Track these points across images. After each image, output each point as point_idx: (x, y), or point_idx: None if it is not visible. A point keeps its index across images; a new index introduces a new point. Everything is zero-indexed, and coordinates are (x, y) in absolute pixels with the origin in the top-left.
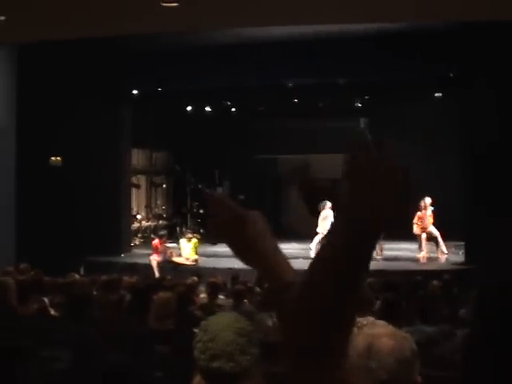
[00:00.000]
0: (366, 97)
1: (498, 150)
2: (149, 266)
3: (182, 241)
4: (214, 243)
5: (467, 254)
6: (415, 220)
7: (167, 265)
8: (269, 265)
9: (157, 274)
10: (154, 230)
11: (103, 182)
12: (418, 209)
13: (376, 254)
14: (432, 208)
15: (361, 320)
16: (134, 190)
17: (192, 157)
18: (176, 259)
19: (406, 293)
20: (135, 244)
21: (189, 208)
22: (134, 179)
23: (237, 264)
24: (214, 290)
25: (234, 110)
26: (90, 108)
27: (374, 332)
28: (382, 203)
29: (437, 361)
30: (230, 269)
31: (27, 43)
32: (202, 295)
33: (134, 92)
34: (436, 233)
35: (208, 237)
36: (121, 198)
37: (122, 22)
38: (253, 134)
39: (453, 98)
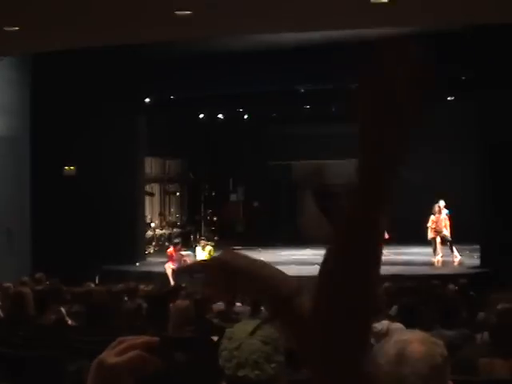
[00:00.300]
0: None
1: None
2: (164, 274)
3: (198, 248)
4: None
5: (483, 257)
6: (429, 224)
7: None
8: (262, 282)
9: (172, 282)
10: (169, 238)
11: (117, 190)
12: (432, 212)
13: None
14: (447, 211)
15: (376, 325)
16: (147, 198)
17: (205, 164)
18: None
19: (424, 297)
20: (149, 252)
21: (203, 215)
22: (147, 187)
23: None
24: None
25: (246, 116)
26: (104, 116)
27: (405, 338)
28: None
29: (459, 365)
30: None
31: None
32: (219, 303)
33: (147, 100)
34: (449, 237)
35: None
36: (135, 206)
37: (136, 31)
38: (266, 140)
39: (466, 101)
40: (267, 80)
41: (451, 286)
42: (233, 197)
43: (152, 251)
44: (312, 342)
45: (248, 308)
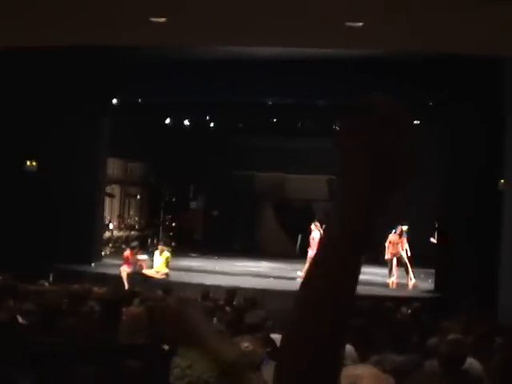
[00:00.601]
0: None
1: (473, 180)
2: (119, 277)
3: (156, 253)
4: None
5: (437, 282)
6: (387, 243)
7: (137, 277)
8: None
9: (126, 286)
10: (126, 241)
11: (77, 189)
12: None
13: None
14: (405, 235)
15: None
16: (107, 200)
17: (168, 169)
18: (146, 271)
19: (376, 319)
20: (106, 254)
21: (161, 220)
22: (108, 188)
23: (207, 280)
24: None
25: (212, 125)
26: (69, 115)
27: (356, 373)
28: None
29: None
30: (201, 284)
31: (4, 49)
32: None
33: (114, 101)
34: (406, 259)
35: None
36: (94, 206)
37: (110, 34)
38: (230, 150)
39: (431, 125)
40: (236, 90)
41: (404, 310)
42: (193, 204)
43: (108, 253)
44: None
45: None
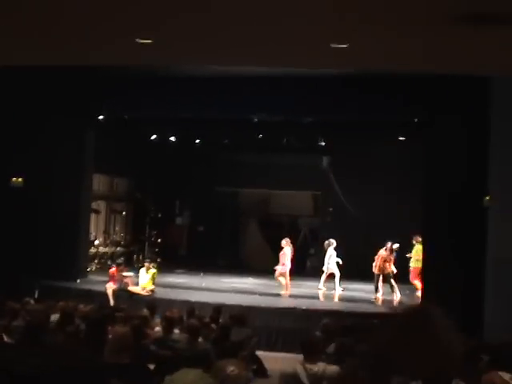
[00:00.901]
0: (330, 136)
1: (458, 197)
2: (104, 294)
3: (141, 270)
4: None
5: (422, 298)
6: (376, 260)
7: (123, 293)
8: None
9: (112, 303)
10: (111, 257)
11: (63, 204)
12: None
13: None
14: (395, 254)
15: (312, 366)
16: (93, 215)
17: (154, 185)
18: (132, 288)
19: (362, 336)
20: (91, 270)
21: (147, 236)
22: (94, 204)
23: (193, 297)
24: (169, 325)
25: (198, 141)
26: (54, 130)
27: None
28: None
29: None
30: (186, 301)
31: None
32: (157, 328)
33: (100, 117)
34: (392, 277)
35: None
36: (80, 222)
37: (97, 54)
38: (216, 166)
39: (417, 142)
40: (221, 107)
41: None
42: (178, 220)
43: (94, 269)
44: None
45: (185, 335)
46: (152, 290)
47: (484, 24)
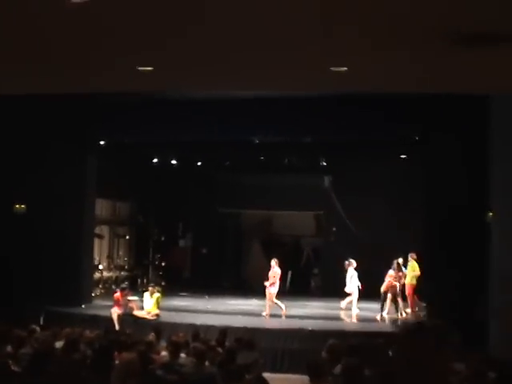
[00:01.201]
0: (331, 155)
1: (459, 213)
2: (109, 319)
3: (146, 294)
4: None
5: (428, 315)
6: (388, 279)
7: (128, 318)
8: None
9: (117, 327)
10: (116, 281)
11: (66, 230)
12: (392, 268)
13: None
14: (404, 269)
15: None
16: (96, 240)
17: (156, 208)
18: (137, 313)
19: (368, 357)
20: (96, 294)
21: (151, 260)
22: (97, 229)
23: (198, 320)
24: (175, 349)
25: (199, 163)
26: (57, 156)
27: None
28: None
29: None
30: (192, 324)
31: None
32: (163, 352)
33: (101, 142)
34: (399, 293)
35: None
36: (83, 247)
37: (98, 81)
38: (217, 188)
39: (417, 160)
40: (222, 128)
41: (395, 346)
42: (181, 242)
43: (98, 293)
44: None
45: (192, 359)
46: (157, 314)
47: (480, 45)
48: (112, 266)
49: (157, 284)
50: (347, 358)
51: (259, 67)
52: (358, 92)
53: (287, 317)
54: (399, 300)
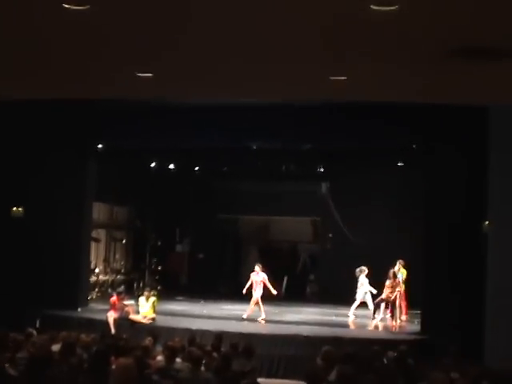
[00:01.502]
0: (329, 162)
1: (458, 223)
2: (105, 323)
3: (141, 299)
4: None
5: (423, 323)
6: (387, 290)
7: (124, 322)
8: None
9: (113, 331)
10: (112, 285)
11: (63, 234)
12: (388, 277)
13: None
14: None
15: None
16: (93, 244)
17: (153, 213)
18: (133, 317)
19: (363, 364)
20: (92, 298)
21: (147, 264)
22: (94, 233)
23: (194, 324)
24: (171, 354)
25: (197, 168)
26: (54, 160)
27: None
28: None
29: None
30: (187, 329)
31: None
32: (159, 357)
33: (99, 146)
34: (393, 300)
35: None
36: (80, 251)
37: (98, 88)
38: (215, 194)
39: (415, 168)
40: (221, 135)
41: (390, 353)
42: (178, 247)
43: (94, 297)
44: None
45: (187, 364)
46: (153, 319)
47: (480, 58)
48: (108, 270)
49: (153, 288)
50: (342, 366)
51: (260, 76)
52: (358, 101)
53: (283, 323)
54: (398, 307)
